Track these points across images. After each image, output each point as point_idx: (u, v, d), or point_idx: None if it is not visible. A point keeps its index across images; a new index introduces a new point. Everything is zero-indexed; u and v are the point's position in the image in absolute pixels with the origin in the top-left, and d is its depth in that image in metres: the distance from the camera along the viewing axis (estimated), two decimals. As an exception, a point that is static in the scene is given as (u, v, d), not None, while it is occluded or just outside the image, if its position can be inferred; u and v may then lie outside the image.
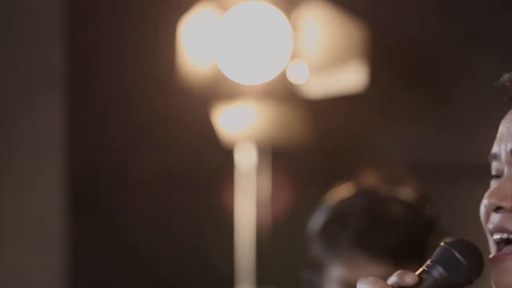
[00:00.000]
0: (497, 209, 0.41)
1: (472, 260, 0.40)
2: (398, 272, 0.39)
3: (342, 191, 1.17)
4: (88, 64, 6.11)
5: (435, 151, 3.66)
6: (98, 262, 3.73)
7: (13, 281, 3.25)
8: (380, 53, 5.59)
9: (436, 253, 0.41)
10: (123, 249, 4.03)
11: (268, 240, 3.78)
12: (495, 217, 0.42)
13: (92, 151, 5.69)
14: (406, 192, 1.18)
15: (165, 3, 4.39)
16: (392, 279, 0.38)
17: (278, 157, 5.72)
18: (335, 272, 1.21)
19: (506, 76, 0.45)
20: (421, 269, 0.40)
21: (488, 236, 0.44)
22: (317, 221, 1.20)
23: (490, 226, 0.42)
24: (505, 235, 0.41)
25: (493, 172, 0.46)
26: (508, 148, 0.42)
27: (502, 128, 0.44)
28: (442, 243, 0.41)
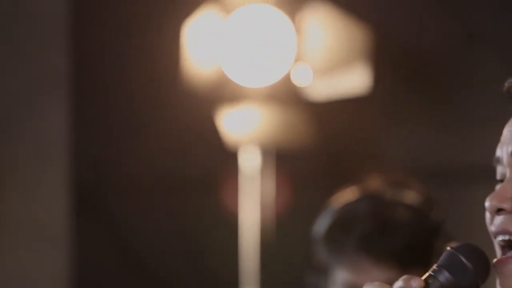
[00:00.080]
0: (498, 211, 0.41)
1: (478, 264, 0.40)
2: (404, 277, 0.39)
3: (347, 195, 1.17)
4: (93, 66, 6.14)
5: (440, 153, 3.65)
6: (102, 265, 3.73)
7: (16, 283, 3.26)
8: (384, 56, 5.59)
9: (442, 258, 0.41)
10: (127, 252, 4.04)
11: (272, 243, 3.78)
12: (497, 220, 0.42)
13: (96, 153, 5.71)
14: (411, 196, 1.18)
15: (170, 6, 4.40)
16: (398, 284, 0.38)
17: (282, 159, 5.72)
18: (340, 276, 1.20)
19: (510, 81, 0.45)
20: (427, 274, 0.40)
21: (493, 239, 0.44)
22: (322, 225, 1.20)
23: (492, 228, 0.43)
24: (506, 237, 0.41)
25: (498, 177, 0.46)
26: (509, 151, 0.42)
27: (506, 131, 0.45)
28: (448, 248, 0.41)
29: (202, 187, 3.36)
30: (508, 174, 0.43)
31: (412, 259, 1.21)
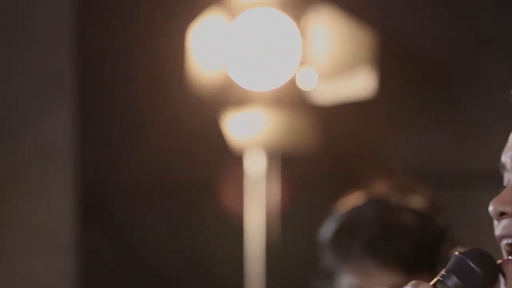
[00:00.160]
0: (501, 215, 0.41)
1: (487, 269, 0.40)
2: (412, 282, 0.38)
3: (353, 199, 1.17)
4: (98, 70, 6.17)
5: (446, 158, 3.64)
6: (107, 268, 3.73)
7: (22, 286, 3.28)
8: (390, 60, 5.59)
9: (450, 262, 0.41)
10: (131, 256, 4.04)
11: (277, 246, 3.77)
12: (501, 224, 0.42)
13: (101, 157, 5.73)
14: (417, 201, 1.17)
15: (175, 9, 4.41)
16: (406, 289, 0.38)
17: (287, 163, 5.71)
18: (346, 281, 1.20)
19: None
20: (435, 279, 0.39)
21: (499, 243, 0.44)
22: (328, 229, 1.20)
23: (496, 232, 0.43)
24: (510, 240, 0.41)
25: (504, 183, 0.46)
26: None
27: (511, 137, 0.45)
28: (456, 253, 0.41)
29: (207, 191, 3.36)
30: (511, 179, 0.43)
31: (418, 263, 1.21)
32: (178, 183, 6.06)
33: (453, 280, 0.38)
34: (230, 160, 2.89)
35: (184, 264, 3.71)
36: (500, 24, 4.52)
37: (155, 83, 7.68)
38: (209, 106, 3.16)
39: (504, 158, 0.45)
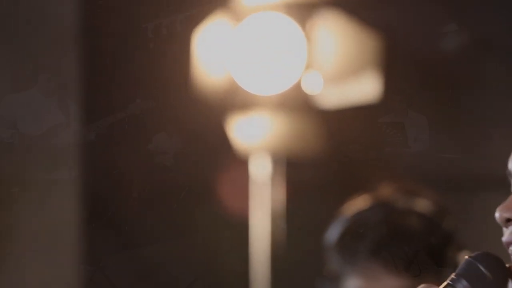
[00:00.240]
0: (508, 221, 0.41)
1: (497, 273, 0.39)
2: (422, 286, 0.38)
3: (358, 203, 1.16)
4: (103, 75, 6.21)
5: (452, 161, 3.62)
6: (113, 272, 3.73)
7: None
8: (396, 63, 5.59)
9: (460, 266, 0.40)
10: (137, 260, 4.04)
11: (283, 252, 3.76)
12: (508, 230, 0.42)
13: (107, 162, 5.74)
14: (423, 204, 1.17)
15: (180, 13, 4.42)
16: (416, 293, 0.38)
17: (292, 167, 5.71)
18: (352, 284, 1.19)
19: None
20: (445, 283, 0.39)
21: (508, 249, 0.44)
22: (333, 232, 1.20)
23: (503, 239, 0.43)
24: None
25: None
26: None
27: None
28: (466, 257, 0.41)
29: (212, 195, 3.36)
30: None
31: (424, 267, 1.21)
32: (183, 187, 6.07)
33: (463, 284, 0.38)
34: (235, 164, 2.89)
35: (190, 269, 3.70)
36: (507, 28, 4.51)
37: (160, 87, 7.72)
38: (214, 110, 3.16)
39: (511, 165, 0.45)
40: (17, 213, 3.23)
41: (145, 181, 5.63)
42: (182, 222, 4.78)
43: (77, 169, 3.35)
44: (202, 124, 3.19)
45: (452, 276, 0.40)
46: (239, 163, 2.54)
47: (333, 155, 4.08)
